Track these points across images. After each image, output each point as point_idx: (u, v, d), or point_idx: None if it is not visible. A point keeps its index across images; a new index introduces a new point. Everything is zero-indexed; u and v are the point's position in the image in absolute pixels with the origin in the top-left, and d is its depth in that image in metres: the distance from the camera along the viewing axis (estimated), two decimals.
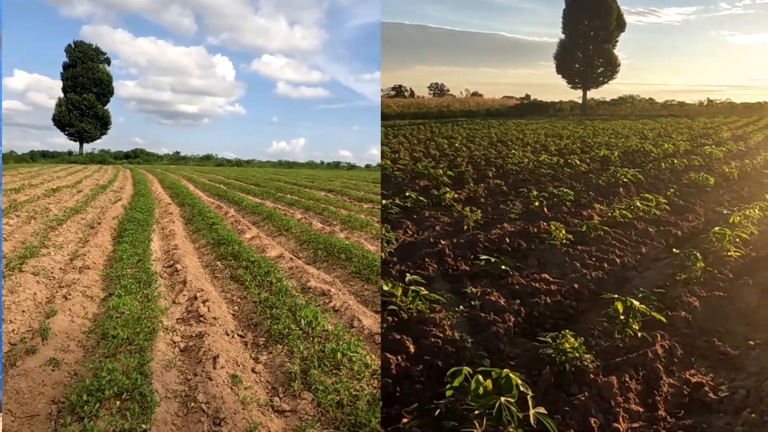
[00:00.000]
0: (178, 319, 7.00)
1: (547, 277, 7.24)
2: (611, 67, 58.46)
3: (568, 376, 4.51)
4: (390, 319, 5.66)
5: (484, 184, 14.94)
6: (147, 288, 7.71)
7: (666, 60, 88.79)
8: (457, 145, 25.50)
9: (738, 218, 9.87)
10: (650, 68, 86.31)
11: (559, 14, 58.81)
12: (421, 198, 12.20)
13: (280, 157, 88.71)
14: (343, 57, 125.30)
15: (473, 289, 6.55)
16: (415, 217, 11.15)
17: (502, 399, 3.61)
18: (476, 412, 3.71)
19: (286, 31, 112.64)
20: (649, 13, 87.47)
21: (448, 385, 4.01)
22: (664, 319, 5.54)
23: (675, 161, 18.86)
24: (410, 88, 67.09)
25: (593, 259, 8.13)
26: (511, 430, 3.58)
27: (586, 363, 4.58)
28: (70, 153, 74.14)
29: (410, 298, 5.77)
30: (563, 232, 8.95)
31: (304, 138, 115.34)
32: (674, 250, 8.49)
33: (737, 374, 4.97)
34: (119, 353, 5.35)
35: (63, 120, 72.27)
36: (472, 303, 6.17)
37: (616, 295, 5.54)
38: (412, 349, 5.06)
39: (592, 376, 4.48)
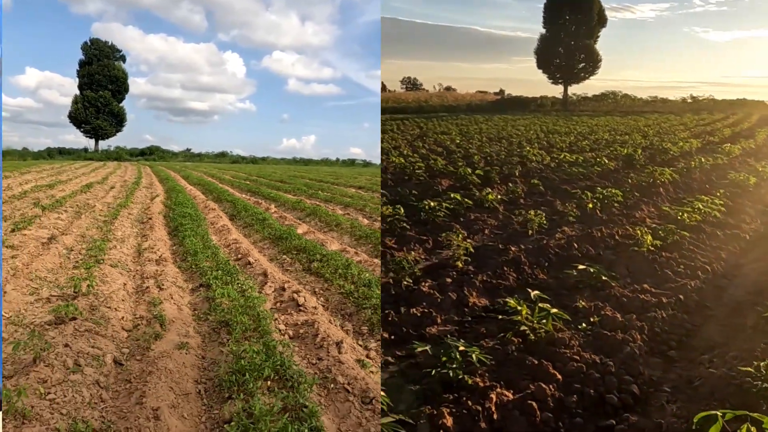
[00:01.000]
0: (271, 309, 7.29)
1: (648, 287, 6.82)
2: (592, 63, 57.40)
3: None
4: (516, 340, 5.22)
5: (511, 183, 14.30)
6: (236, 279, 8.00)
7: (639, 56, 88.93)
8: (458, 141, 24.78)
9: None
10: (624, 64, 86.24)
11: (531, 9, 58.63)
12: (467, 200, 11.44)
13: (291, 154, 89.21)
14: (355, 53, 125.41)
15: (584, 303, 6.12)
16: (462, 219, 10.51)
17: None
18: None
19: (297, 27, 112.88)
20: (623, 9, 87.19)
21: None
22: None
23: (702, 159, 18.40)
24: (382, 83, 66.18)
25: (681, 266, 7.77)
26: None
27: None
28: (85, 150, 74.79)
29: (537, 317, 5.32)
30: (650, 237, 8.41)
31: (315, 135, 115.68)
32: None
33: None
34: (246, 338, 5.64)
35: (79, 117, 72.88)
36: (592, 319, 5.75)
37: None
38: (558, 376, 4.63)
39: None
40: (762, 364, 4.41)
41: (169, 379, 4.71)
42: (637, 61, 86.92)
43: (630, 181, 14.92)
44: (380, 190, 15.12)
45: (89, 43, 73.93)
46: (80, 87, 73.56)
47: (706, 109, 51.80)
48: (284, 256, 10.55)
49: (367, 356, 5.75)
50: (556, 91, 59.79)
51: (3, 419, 3.88)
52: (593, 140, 25.64)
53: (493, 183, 14.39)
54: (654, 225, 9.69)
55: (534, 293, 5.59)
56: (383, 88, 64.30)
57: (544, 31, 58.05)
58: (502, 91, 63.53)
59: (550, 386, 4.43)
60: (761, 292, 6.94)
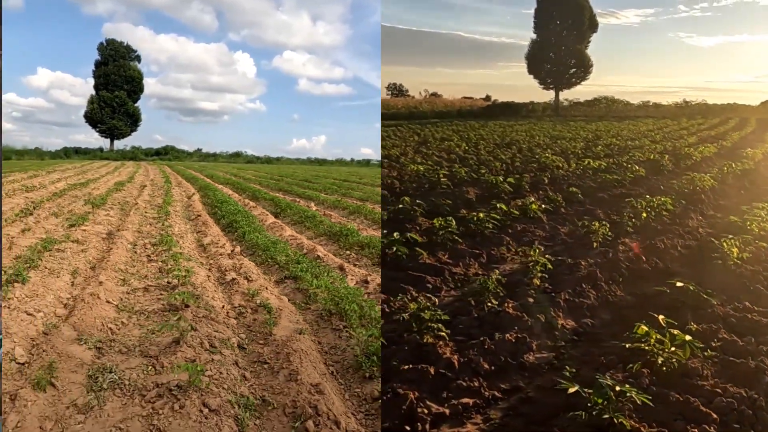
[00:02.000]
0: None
1: (750, 306, 6.21)
2: (583, 68, 57.46)
3: None
4: (645, 371, 4.62)
5: (541, 191, 13.71)
6: (323, 272, 8.27)
7: (624, 61, 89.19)
8: (465, 147, 24.14)
9: None
10: (609, 69, 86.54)
11: (516, 14, 58.22)
12: (514, 210, 10.75)
13: (301, 154, 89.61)
14: (365, 53, 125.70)
15: (695, 326, 5.51)
16: (510, 231, 9.80)
17: None
18: None
19: (308, 27, 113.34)
20: (608, 14, 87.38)
21: None
22: None
23: (733, 165, 17.50)
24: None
25: None
26: None
27: None
28: (101, 150, 75.44)
29: (668, 345, 4.70)
30: (736, 250, 7.71)
31: (325, 135, 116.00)
32: None
33: None
34: (362, 326, 5.92)
35: (95, 117, 73.59)
36: (713, 344, 5.15)
37: None
38: (714, 415, 4.08)
39: None
40: None
41: (308, 360, 4.98)
42: (623, 67, 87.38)
43: (661, 187, 14.44)
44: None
45: (105, 44, 74.73)
46: (96, 87, 74.36)
47: (700, 114, 51.64)
48: (347, 252, 10.82)
49: None
50: (544, 96, 59.50)
51: (186, 391, 4.16)
52: (604, 145, 25.13)
53: (524, 191, 13.61)
54: (721, 235, 8.78)
55: (660, 317, 5.01)
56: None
57: (532, 36, 57.91)
58: (488, 97, 63.37)
59: (711, 427, 3.93)
60: None
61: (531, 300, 6.20)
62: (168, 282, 7.89)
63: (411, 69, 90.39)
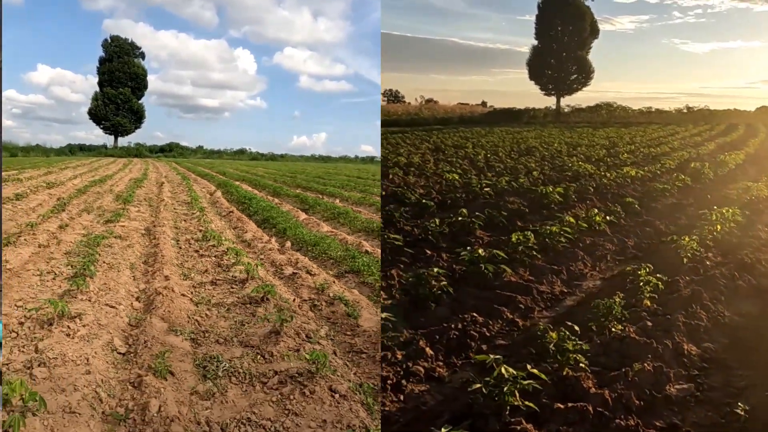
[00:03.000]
0: None
1: None
2: (585, 74, 57.17)
3: None
4: None
5: (588, 201, 13.20)
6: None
7: (619, 67, 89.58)
8: (484, 154, 23.56)
9: None
10: (604, 75, 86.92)
11: (510, 21, 57.31)
12: (582, 224, 10.11)
13: (301, 151, 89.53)
14: (367, 50, 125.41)
15: None
16: (581, 245, 9.19)
17: None
18: None
19: (309, 24, 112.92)
20: (602, 20, 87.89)
21: None
22: None
23: None
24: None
25: None
26: None
27: None
28: (105, 147, 75.39)
29: None
30: None
31: (325, 132, 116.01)
32: None
33: None
34: None
35: (99, 114, 73.52)
36: None
37: None
38: None
39: None
40: None
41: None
42: (617, 72, 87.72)
43: (708, 196, 13.89)
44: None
45: (109, 41, 74.62)
46: (100, 84, 74.21)
47: (703, 119, 51.49)
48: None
49: None
50: (540, 102, 59.17)
51: (313, 377, 4.34)
52: (627, 152, 24.74)
53: (570, 202, 13.05)
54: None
55: None
56: None
57: (527, 42, 57.96)
58: (485, 103, 63.00)
59: None
60: None
61: (649, 323, 5.76)
62: (233, 276, 8.06)
63: (405, 75, 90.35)
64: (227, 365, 4.87)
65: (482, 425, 3.95)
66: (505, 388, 4.00)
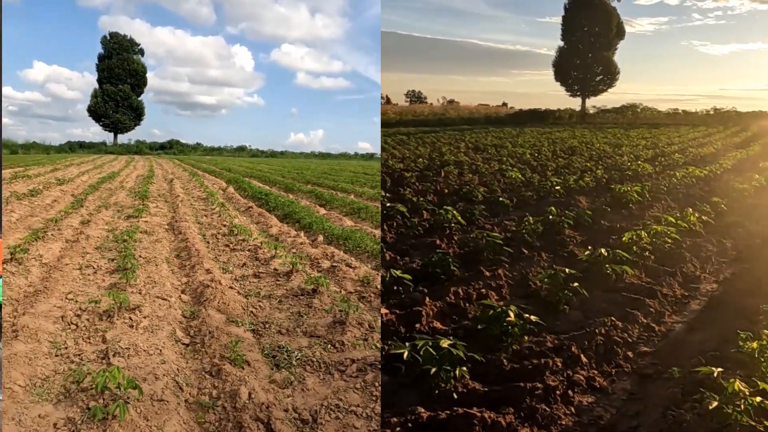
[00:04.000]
0: None
1: None
2: (610, 75, 57.03)
3: None
4: None
5: (663, 201, 12.96)
6: None
7: (638, 69, 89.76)
8: (531, 153, 23.89)
9: None
10: (624, 76, 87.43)
11: (530, 23, 57.31)
12: (682, 223, 9.81)
13: (298, 148, 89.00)
14: (365, 46, 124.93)
15: None
16: (684, 246, 8.84)
17: None
18: None
19: (307, 20, 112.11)
20: (622, 22, 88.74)
21: None
22: None
23: None
24: (387, 96, 64.28)
25: None
26: None
27: None
28: (104, 144, 75.09)
29: None
30: None
31: (323, 129, 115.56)
32: None
33: None
34: None
35: (99, 111, 73.11)
36: None
37: None
38: None
39: None
40: None
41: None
42: (636, 74, 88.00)
43: None
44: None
45: (109, 37, 74.20)
46: (99, 81, 73.79)
47: (731, 121, 50.51)
48: None
49: None
50: (562, 103, 59.09)
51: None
52: (675, 151, 24.38)
53: (645, 201, 12.77)
54: None
55: None
56: (387, 100, 63.43)
57: (548, 44, 58.19)
58: (505, 104, 63.17)
59: None
60: None
61: None
62: (275, 269, 8.09)
63: (424, 77, 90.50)
64: (299, 354, 4.90)
65: None
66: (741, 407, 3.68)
